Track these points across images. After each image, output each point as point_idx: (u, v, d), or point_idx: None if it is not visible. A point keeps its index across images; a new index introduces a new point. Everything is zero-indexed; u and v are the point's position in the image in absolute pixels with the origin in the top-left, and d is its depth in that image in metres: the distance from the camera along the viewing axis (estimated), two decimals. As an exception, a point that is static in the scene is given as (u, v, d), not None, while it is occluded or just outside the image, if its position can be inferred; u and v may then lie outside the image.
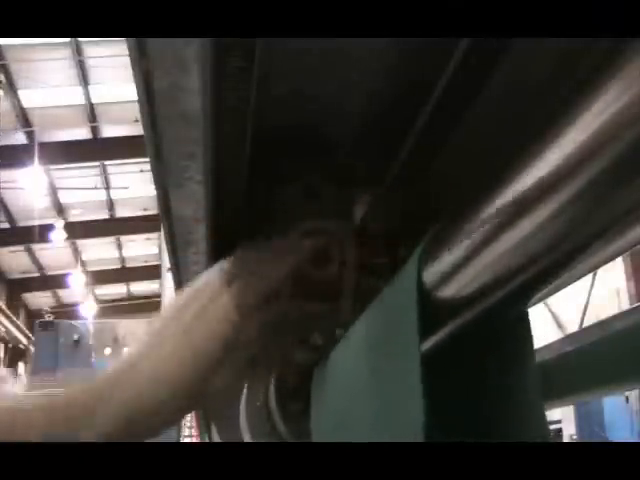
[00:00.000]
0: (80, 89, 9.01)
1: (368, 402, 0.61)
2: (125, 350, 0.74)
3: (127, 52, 0.51)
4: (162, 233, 0.86)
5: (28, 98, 9.03)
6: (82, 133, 9.93)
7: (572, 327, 7.02)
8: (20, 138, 9.52)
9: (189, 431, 8.94)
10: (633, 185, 0.31)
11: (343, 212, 0.88)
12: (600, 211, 0.34)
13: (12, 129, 9.27)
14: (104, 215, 11.85)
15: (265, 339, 0.65)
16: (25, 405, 0.60)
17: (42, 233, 10.70)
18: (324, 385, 0.81)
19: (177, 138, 0.59)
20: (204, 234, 0.80)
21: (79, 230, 11.58)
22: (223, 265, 0.67)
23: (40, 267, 14.11)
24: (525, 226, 0.38)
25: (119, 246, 13.54)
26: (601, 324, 0.90)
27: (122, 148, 9.47)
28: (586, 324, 6.00)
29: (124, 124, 9.23)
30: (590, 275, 6.61)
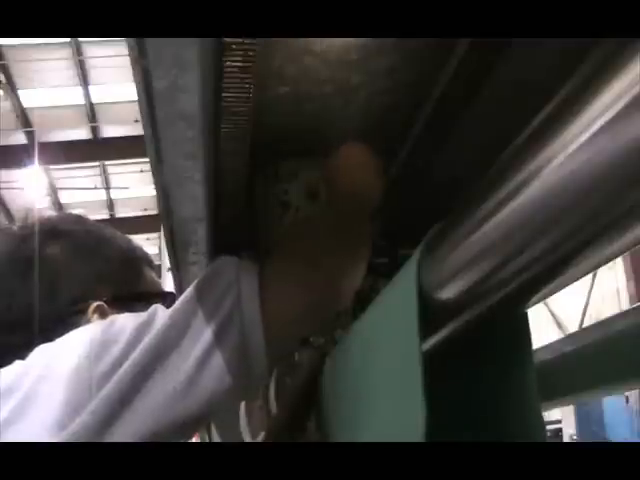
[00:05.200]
0: (80, 89, 9.00)
1: (368, 402, 0.61)
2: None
3: (127, 52, 0.51)
4: (162, 233, 0.87)
5: (28, 98, 9.04)
6: (82, 133, 9.93)
7: (572, 327, 7.02)
8: (20, 138, 9.51)
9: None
10: (633, 185, 0.31)
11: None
12: (600, 211, 0.34)
13: (12, 129, 9.27)
14: (104, 215, 11.85)
15: None
16: None
17: (42, 233, 10.69)
18: (324, 385, 0.81)
19: (177, 138, 0.59)
20: (204, 234, 0.80)
21: (79, 230, 11.58)
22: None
23: (40, 267, 14.12)
24: (525, 226, 0.38)
25: (119, 246, 13.55)
26: (601, 324, 0.90)
27: (122, 148, 9.46)
28: (586, 324, 6.00)
29: (124, 124, 9.23)
30: (590, 275, 6.61)
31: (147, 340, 0.62)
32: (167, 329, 0.63)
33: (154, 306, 0.67)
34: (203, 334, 0.63)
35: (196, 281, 0.67)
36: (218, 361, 0.63)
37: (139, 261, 0.94)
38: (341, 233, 0.75)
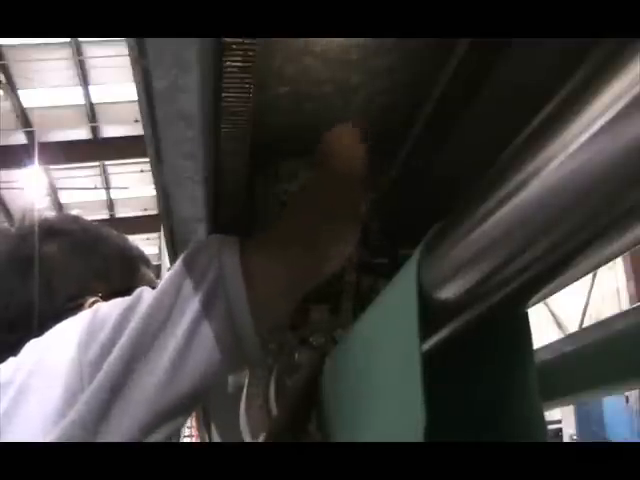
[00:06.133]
0: (80, 89, 9.00)
1: (368, 402, 0.61)
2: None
3: (127, 52, 0.51)
4: (162, 233, 0.87)
5: (28, 98, 9.03)
6: (82, 133, 9.93)
7: (572, 327, 7.02)
8: (20, 138, 9.51)
9: (189, 431, 8.92)
10: (633, 185, 0.31)
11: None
12: (600, 211, 0.34)
13: (12, 129, 9.27)
14: (104, 215, 11.84)
15: None
16: None
17: (42, 233, 10.66)
18: (324, 385, 0.81)
19: (177, 138, 0.59)
20: (204, 234, 0.80)
21: (79, 230, 11.55)
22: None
23: (40, 267, 14.10)
24: (525, 226, 0.38)
25: (119, 246, 13.51)
26: (601, 324, 0.90)
27: (122, 148, 9.45)
28: (586, 324, 6.00)
29: (124, 124, 9.22)
30: (590, 275, 6.60)
31: (133, 324, 0.62)
32: (152, 310, 0.63)
33: (139, 289, 0.67)
34: (189, 310, 0.63)
35: (179, 259, 0.67)
36: (206, 334, 0.63)
37: (135, 259, 0.94)
38: (326, 204, 0.76)
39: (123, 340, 0.61)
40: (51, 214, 0.97)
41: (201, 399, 0.68)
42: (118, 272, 0.90)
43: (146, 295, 0.65)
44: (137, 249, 0.97)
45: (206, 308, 0.63)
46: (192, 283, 0.64)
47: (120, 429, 0.58)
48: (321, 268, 0.75)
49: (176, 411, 0.62)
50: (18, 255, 0.85)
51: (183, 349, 0.62)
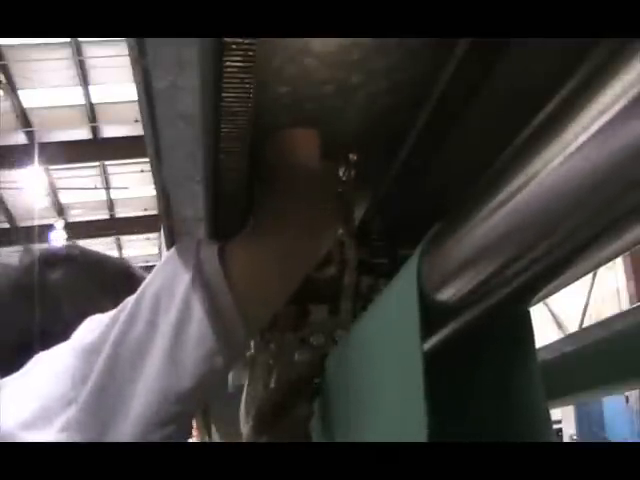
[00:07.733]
0: (80, 89, 9.01)
1: (369, 402, 0.61)
2: None
3: (127, 52, 0.51)
4: (162, 233, 0.87)
5: (28, 98, 9.04)
6: (82, 133, 9.94)
7: (572, 327, 7.02)
8: (20, 138, 9.51)
9: (189, 431, 8.92)
10: (633, 185, 0.31)
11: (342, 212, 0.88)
12: (600, 211, 0.34)
13: (12, 129, 9.27)
14: (104, 215, 11.85)
15: None
16: None
17: (42, 233, 10.68)
18: (325, 385, 0.81)
19: (177, 138, 0.59)
20: (204, 234, 0.80)
21: (79, 230, 11.57)
22: None
23: (40, 267, 14.07)
24: (525, 226, 0.38)
25: (119, 246, 13.51)
26: (601, 324, 0.90)
27: (122, 148, 9.45)
28: (586, 324, 6.00)
29: (124, 124, 9.23)
30: (590, 275, 6.61)
31: (113, 334, 0.65)
32: (130, 319, 0.66)
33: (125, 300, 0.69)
34: (170, 314, 0.65)
35: (162, 260, 0.71)
36: (191, 333, 0.64)
37: (138, 275, 0.98)
38: (298, 192, 0.78)
39: (106, 349, 0.63)
40: (49, 246, 1.03)
41: (200, 399, 0.69)
42: (125, 288, 0.92)
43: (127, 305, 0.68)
44: (136, 266, 1.01)
45: (187, 307, 0.65)
46: (170, 283, 0.67)
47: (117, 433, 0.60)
48: (305, 252, 0.76)
49: (174, 416, 0.63)
50: (24, 286, 0.88)
51: (169, 352, 0.63)
